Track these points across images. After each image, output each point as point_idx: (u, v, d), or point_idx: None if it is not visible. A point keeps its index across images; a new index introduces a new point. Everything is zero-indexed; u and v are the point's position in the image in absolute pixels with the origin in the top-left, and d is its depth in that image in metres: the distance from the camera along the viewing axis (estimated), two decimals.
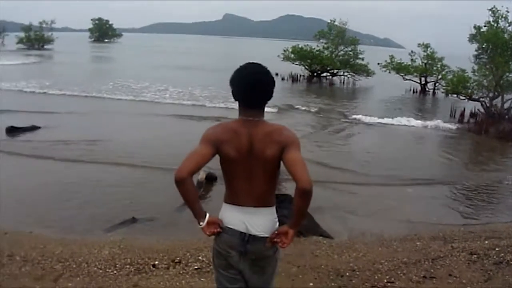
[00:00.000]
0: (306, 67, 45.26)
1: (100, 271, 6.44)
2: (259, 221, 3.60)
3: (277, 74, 43.67)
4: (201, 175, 10.99)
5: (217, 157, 3.56)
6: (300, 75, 44.07)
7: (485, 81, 25.63)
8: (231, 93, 3.63)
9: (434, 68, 37.96)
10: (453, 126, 22.62)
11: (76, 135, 16.52)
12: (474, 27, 26.66)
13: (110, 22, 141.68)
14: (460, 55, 35.55)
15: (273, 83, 3.63)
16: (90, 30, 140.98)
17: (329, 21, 45.92)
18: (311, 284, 6.26)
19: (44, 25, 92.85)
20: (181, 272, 6.50)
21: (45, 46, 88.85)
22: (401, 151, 17.06)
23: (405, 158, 15.77)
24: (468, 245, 8.06)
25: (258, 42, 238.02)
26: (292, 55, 45.18)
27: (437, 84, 38.04)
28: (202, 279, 6.31)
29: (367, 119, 22.63)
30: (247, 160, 3.52)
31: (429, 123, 22.91)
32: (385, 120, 22.52)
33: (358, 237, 8.50)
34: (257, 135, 3.49)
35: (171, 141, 15.39)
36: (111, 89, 28.95)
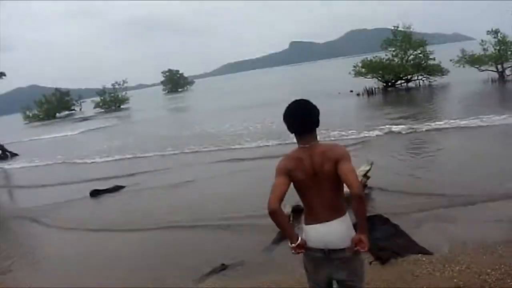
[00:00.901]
0: (379, 78, 44.54)
1: None
2: (335, 235, 4.23)
3: (351, 91, 43.34)
4: (287, 209, 10.79)
5: None
6: (374, 88, 43.45)
7: None
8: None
9: (509, 52, 36.65)
10: None
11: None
12: None
13: (180, 72, 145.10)
14: None
15: (316, 110, 4.39)
16: (162, 82, 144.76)
17: (392, 28, 45.19)
18: None
19: (117, 86, 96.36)
20: None
21: (121, 106, 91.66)
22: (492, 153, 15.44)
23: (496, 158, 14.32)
24: None
25: (328, 63, 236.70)
26: (363, 69, 44.65)
27: None
28: None
29: (449, 123, 20.95)
30: (314, 179, 4.25)
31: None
32: (467, 122, 20.57)
33: (459, 248, 7.93)
34: (315, 156, 4.23)
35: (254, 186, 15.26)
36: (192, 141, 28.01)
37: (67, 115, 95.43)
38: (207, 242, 10.39)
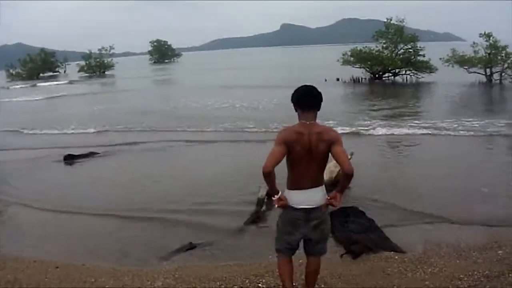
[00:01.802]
0: (367, 69, 44.41)
1: None
2: (315, 197, 5.24)
3: (338, 80, 43.07)
4: (261, 192, 10.55)
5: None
6: (361, 78, 43.28)
7: None
8: (293, 109, 5.27)
9: (499, 57, 36.62)
10: None
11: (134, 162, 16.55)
12: None
13: (168, 43, 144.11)
14: None
15: (321, 96, 5.23)
16: (149, 52, 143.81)
17: (385, 20, 44.97)
18: None
19: (103, 52, 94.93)
20: None
21: (106, 72, 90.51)
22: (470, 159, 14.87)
23: (473, 165, 13.89)
24: None
25: (317, 49, 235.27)
26: (352, 58, 44.46)
27: (503, 74, 36.66)
28: None
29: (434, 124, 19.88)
30: (307, 153, 5.09)
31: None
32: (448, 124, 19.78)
33: (433, 250, 7.70)
34: (312, 135, 5.06)
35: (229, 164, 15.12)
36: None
37: (50, 76, 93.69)
38: (178, 223, 9.99)
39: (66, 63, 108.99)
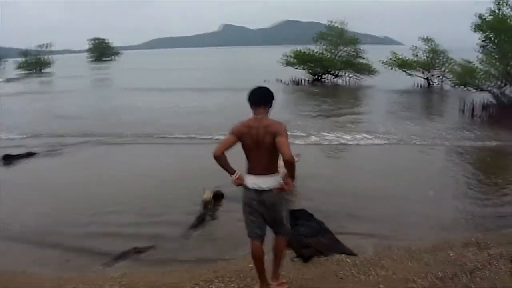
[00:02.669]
0: (309, 70, 44.50)
1: None
2: (266, 182, 5.74)
3: (281, 81, 42.91)
4: (206, 194, 10.31)
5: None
6: (303, 79, 43.36)
7: (493, 70, 24.80)
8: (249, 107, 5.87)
9: (437, 61, 37.36)
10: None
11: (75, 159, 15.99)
12: (479, 16, 25.56)
13: (107, 41, 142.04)
14: (460, 48, 34.80)
15: (272, 95, 5.94)
16: (88, 50, 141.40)
17: (326, 23, 45.26)
18: None
19: (42, 49, 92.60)
20: None
21: (44, 70, 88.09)
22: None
23: (416, 170, 13.82)
24: (505, 250, 7.32)
25: (258, 50, 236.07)
26: (293, 59, 44.49)
27: (442, 78, 37.41)
28: None
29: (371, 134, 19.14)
30: (256, 145, 5.67)
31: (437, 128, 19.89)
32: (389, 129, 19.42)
33: (384, 252, 7.61)
34: (260, 128, 5.65)
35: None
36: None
37: None
38: (122, 227, 9.48)
39: (3, 60, 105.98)
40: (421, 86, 37.73)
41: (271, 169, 5.76)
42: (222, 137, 17.02)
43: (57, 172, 14.60)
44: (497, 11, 24.96)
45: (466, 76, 25.84)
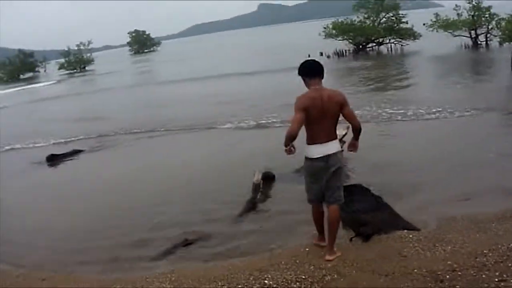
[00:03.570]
0: (350, 40, 43.68)
1: None
2: (333, 147, 6.11)
3: (321, 54, 42.09)
4: (256, 177, 9.91)
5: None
6: (345, 51, 42.61)
7: None
8: (303, 82, 6.23)
9: (483, 18, 36.06)
10: None
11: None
12: None
13: (147, 32, 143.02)
14: (501, 3, 33.60)
15: (322, 66, 6.23)
16: (128, 43, 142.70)
17: None
18: None
19: (82, 47, 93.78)
20: None
21: (86, 68, 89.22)
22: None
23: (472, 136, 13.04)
24: None
25: (297, 26, 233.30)
26: (334, 31, 43.73)
27: (488, 35, 36.17)
28: None
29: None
30: (321, 114, 5.93)
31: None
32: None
33: (448, 224, 7.05)
34: (324, 98, 5.94)
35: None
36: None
37: (31, 77, 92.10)
38: (171, 219, 9.18)
39: (46, 62, 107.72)
40: (467, 47, 36.42)
41: (334, 136, 6.17)
42: (267, 121, 17.23)
43: (102, 167, 14.58)
44: None
45: None
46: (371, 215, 7.47)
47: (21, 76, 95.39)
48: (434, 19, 38.65)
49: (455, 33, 37.60)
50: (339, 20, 43.88)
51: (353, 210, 7.81)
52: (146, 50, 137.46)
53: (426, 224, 7.18)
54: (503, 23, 30.52)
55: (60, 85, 60.39)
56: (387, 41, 43.42)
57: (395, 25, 42.54)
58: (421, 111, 16.30)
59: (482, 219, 7.08)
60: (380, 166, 10.78)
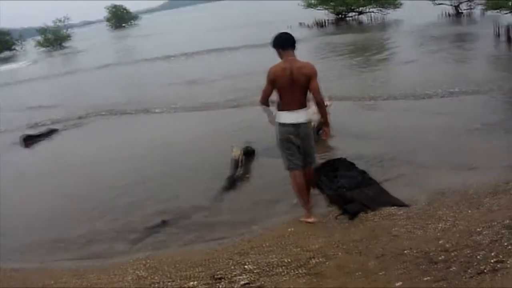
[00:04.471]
0: (331, 10, 43.10)
1: None
2: (302, 116, 6.46)
3: (303, 24, 41.49)
4: (235, 151, 9.53)
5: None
6: (325, 20, 42.05)
7: None
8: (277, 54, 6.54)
9: None
10: None
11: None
12: None
13: (124, 7, 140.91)
14: None
15: (295, 38, 6.57)
16: (106, 18, 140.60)
17: None
18: (400, 283, 4.74)
19: (59, 23, 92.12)
20: None
21: (64, 44, 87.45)
22: None
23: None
24: None
25: None
26: (314, 1, 43.12)
27: (470, 4, 35.75)
28: None
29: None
30: (291, 84, 6.31)
31: None
32: None
33: (438, 200, 6.70)
34: (294, 69, 6.29)
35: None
36: None
37: (9, 57, 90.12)
38: (147, 199, 8.75)
39: (23, 39, 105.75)
40: (449, 15, 35.86)
41: (304, 104, 6.49)
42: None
43: (78, 146, 13.99)
44: None
45: None
46: (357, 191, 7.13)
47: None
48: None
49: (436, 2, 37.04)
50: None
51: (338, 186, 7.46)
52: (124, 25, 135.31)
53: (415, 199, 6.83)
54: None
55: (35, 66, 58.70)
56: (368, 10, 42.78)
57: None
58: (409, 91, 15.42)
59: (473, 194, 6.75)
60: (365, 139, 10.37)
